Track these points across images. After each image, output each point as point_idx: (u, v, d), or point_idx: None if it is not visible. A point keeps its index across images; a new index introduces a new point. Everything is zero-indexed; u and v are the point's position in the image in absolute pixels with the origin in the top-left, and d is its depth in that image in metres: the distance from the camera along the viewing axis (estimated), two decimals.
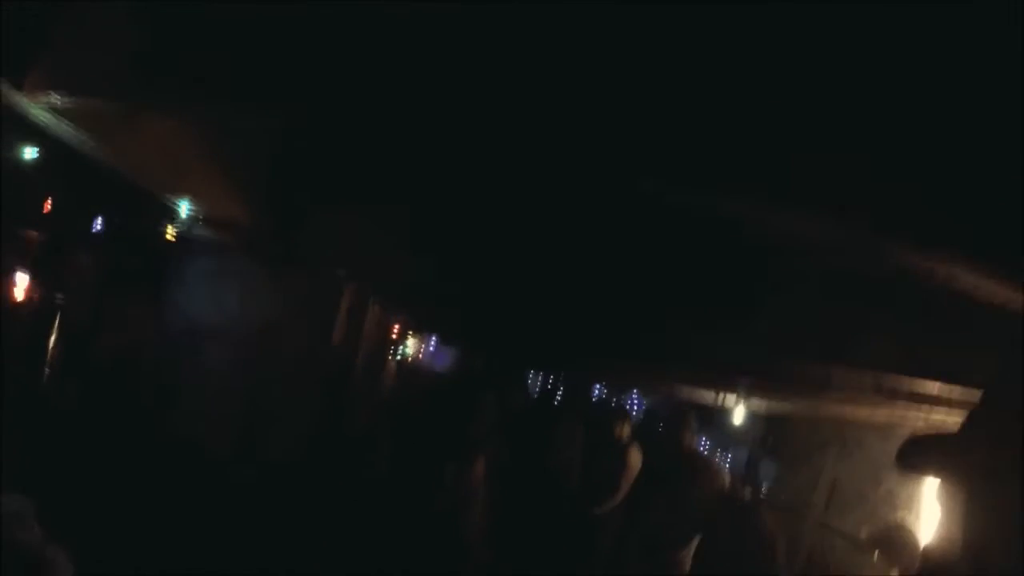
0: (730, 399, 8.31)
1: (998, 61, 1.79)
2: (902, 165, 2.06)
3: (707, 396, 8.87)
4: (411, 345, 11.44)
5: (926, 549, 1.97)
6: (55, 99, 3.37)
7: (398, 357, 9.76)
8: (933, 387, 4.83)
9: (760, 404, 8.70)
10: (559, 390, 10.65)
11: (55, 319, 5.98)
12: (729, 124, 2.22)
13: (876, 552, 5.28)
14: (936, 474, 1.49)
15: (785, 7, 1.99)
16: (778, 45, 2.07)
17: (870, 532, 6.72)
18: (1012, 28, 1.71)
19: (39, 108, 3.47)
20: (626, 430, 7.08)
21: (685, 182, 2.32)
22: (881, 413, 6.35)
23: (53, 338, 5.82)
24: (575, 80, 2.35)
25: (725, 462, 10.54)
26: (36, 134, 4.11)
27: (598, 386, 14.72)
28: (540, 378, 14.38)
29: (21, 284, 5.44)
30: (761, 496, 8.91)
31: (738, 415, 8.49)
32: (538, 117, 2.47)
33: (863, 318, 4.32)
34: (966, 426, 1.44)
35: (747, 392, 7.67)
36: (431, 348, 12.91)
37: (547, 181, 3.17)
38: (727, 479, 6.22)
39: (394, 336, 9.16)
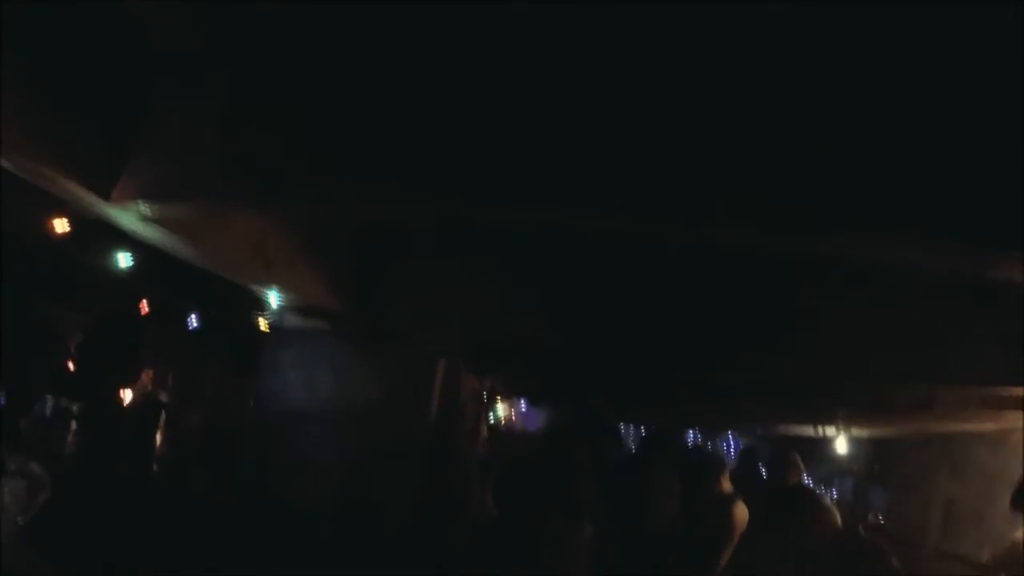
0: (831, 429, 8.10)
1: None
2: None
3: (806, 428, 8.67)
4: (502, 408, 11.44)
5: None
6: (143, 208, 3.49)
7: (491, 421, 9.77)
8: None
9: (862, 431, 8.47)
10: (651, 440, 10.44)
11: (160, 415, 6.24)
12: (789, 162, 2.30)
13: (1001, 574, 5.10)
14: None
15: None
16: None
17: (992, 553, 6.43)
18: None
19: (127, 216, 3.58)
20: (726, 481, 6.68)
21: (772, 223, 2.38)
22: (989, 424, 6.16)
23: (160, 433, 6.08)
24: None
25: (831, 497, 10.19)
26: (126, 240, 4.31)
27: (691, 431, 14.43)
28: (631, 428, 14.16)
29: (130, 385, 5.72)
30: (875, 528, 8.59)
31: (840, 445, 8.27)
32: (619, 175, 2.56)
33: (960, 331, 4.25)
34: None
35: (847, 420, 7.49)
36: (521, 409, 12.89)
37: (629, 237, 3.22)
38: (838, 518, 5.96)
39: (486, 401, 9.19)
